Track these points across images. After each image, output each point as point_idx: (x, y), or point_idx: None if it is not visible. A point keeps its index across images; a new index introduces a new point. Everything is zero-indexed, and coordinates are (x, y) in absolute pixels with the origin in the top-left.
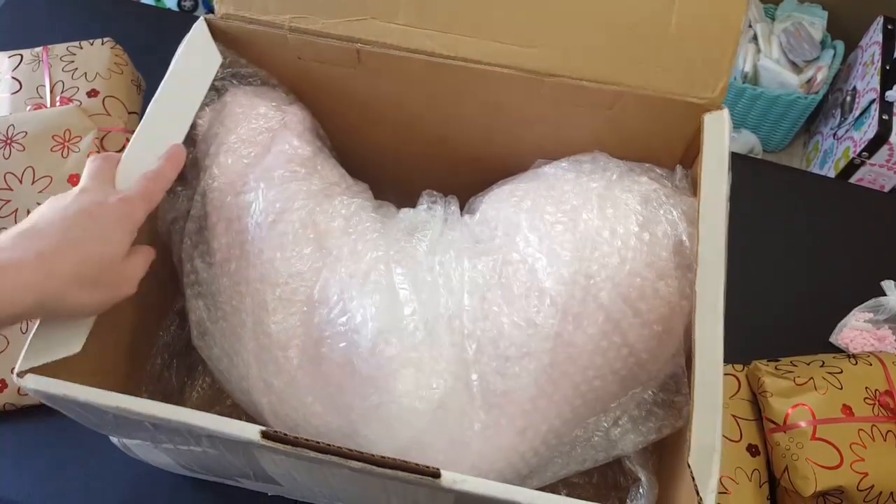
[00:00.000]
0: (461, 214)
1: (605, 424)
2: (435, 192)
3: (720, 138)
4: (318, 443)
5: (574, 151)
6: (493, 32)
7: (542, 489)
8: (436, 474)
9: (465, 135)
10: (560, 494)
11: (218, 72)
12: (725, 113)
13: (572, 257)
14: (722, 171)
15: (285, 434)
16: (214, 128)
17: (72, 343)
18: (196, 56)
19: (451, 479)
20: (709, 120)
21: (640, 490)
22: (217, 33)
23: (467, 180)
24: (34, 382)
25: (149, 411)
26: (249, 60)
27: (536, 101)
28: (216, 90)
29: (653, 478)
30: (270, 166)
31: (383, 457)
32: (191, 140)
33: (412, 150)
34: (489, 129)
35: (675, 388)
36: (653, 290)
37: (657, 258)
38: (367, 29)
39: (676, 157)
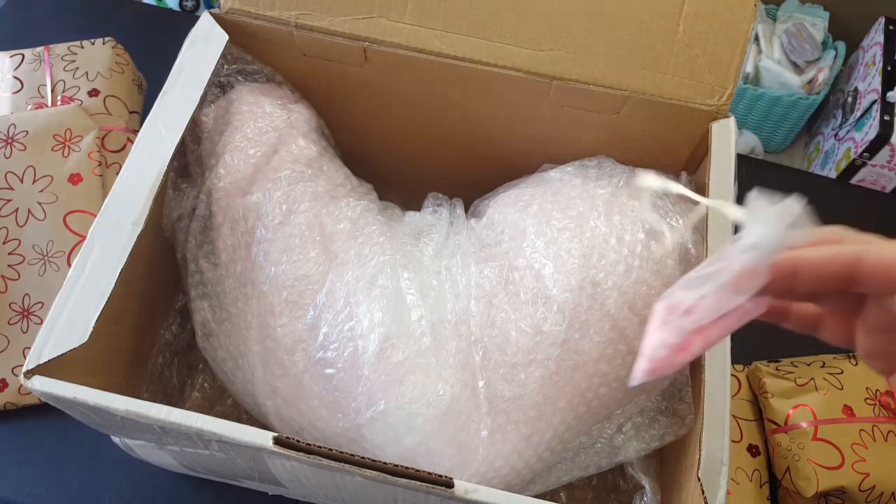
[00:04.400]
0: (466, 218)
1: (609, 431)
2: (440, 195)
3: (727, 147)
4: (330, 450)
5: (580, 155)
6: (501, 34)
7: (543, 494)
8: (449, 484)
9: (471, 136)
10: (559, 497)
11: (223, 68)
12: (732, 121)
13: (579, 265)
14: (729, 181)
15: (298, 441)
16: (220, 126)
17: (78, 333)
18: (203, 48)
19: (464, 488)
20: (716, 128)
21: (645, 498)
22: (222, 28)
23: (472, 181)
24: (41, 384)
25: (159, 416)
26: (254, 56)
27: (543, 103)
28: (221, 87)
29: (656, 485)
30: (276, 166)
31: (396, 465)
32: (196, 137)
33: (416, 149)
34: (495, 131)
35: (678, 395)
36: (658, 298)
37: (663, 266)
38: (375, 27)
39: (681, 163)
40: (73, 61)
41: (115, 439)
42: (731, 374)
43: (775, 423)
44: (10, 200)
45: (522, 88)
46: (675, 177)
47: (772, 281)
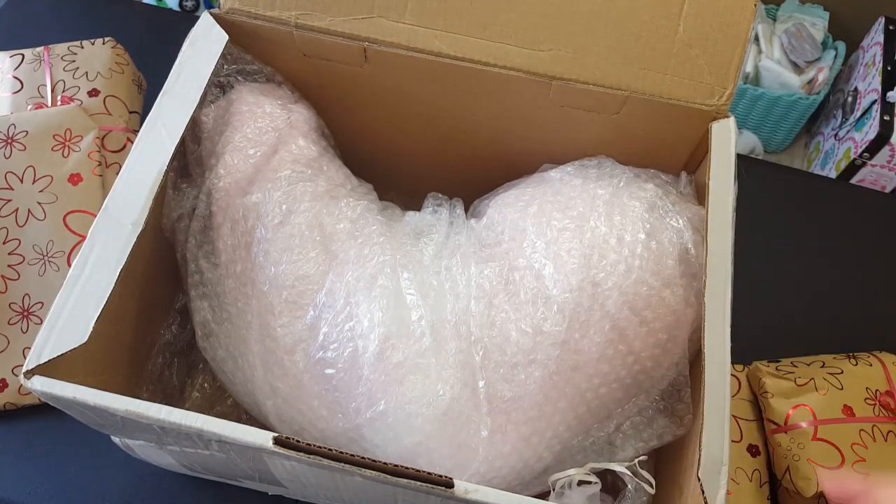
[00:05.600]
0: (466, 218)
1: (608, 430)
2: (440, 195)
3: (727, 147)
4: (330, 450)
5: (580, 155)
6: (501, 34)
7: (543, 494)
8: (449, 484)
9: (471, 135)
10: None
11: (223, 68)
12: (732, 121)
13: (580, 265)
14: (729, 181)
15: (298, 441)
16: (220, 126)
17: (78, 333)
18: (203, 48)
19: (464, 488)
20: (716, 128)
21: (643, 498)
22: (222, 28)
23: (472, 181)
24: (41, 384)
25: (159, 416)
26: (254, 56)
27: (543, 103)
28: (221, 87)
29: (655, 485)
30: (276, 166)
31: (396, 465)
32: (196, 137)
33: (417, 149)
34: (495, 130)
35: (677, 395)
36: (658, 298)
37: (663, 266)
38: (374, 27)
39: (681, 163)
40: (73, 61)
41: (115, 439)
42: (731, 374)
43: (775, 423)
44: (10, 200)
45: (522, 88)
46: (675, 177)
47: None
